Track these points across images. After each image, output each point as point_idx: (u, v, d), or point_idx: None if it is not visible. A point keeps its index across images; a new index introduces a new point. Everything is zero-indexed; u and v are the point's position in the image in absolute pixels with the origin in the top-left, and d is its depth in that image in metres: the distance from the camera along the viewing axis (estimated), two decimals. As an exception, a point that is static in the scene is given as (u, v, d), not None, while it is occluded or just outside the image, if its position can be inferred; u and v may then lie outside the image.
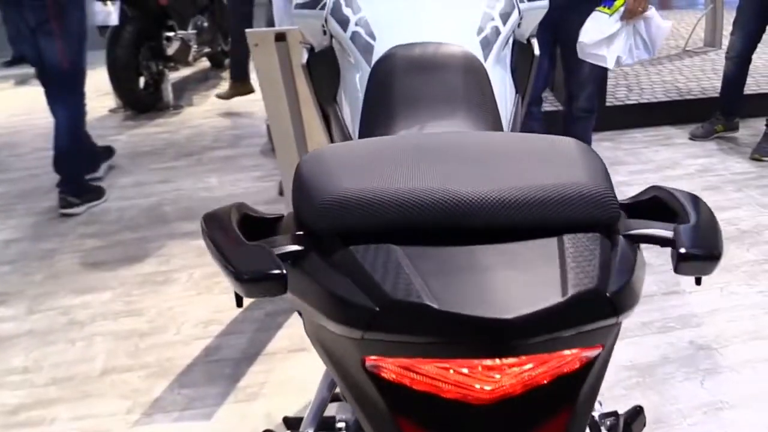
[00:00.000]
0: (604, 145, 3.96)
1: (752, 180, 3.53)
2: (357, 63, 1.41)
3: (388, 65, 1.34)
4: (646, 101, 4.25)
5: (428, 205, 0.80)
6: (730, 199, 3.33)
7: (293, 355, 2.30)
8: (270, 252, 0.80)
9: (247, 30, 2.26)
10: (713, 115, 4.03)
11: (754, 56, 3.86)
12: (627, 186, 3.40)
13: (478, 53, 1.39)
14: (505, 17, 1.47)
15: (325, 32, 1.60)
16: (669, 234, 0.83)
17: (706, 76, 4.68)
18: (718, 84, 4.14)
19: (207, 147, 4.39)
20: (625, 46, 2.51)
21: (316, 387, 1.34)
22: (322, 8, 1.53)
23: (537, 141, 0.96)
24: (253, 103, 5.10)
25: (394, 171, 0.86)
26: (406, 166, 0.87)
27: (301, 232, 0.87)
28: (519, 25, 1.53)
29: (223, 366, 2.26)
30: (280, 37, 2.21)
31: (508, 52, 1.50)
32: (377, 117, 1.31)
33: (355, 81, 1.42)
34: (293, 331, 2.42)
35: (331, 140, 1.87)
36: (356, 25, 1.43)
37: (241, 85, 5.07)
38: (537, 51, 1.64)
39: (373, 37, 1.40)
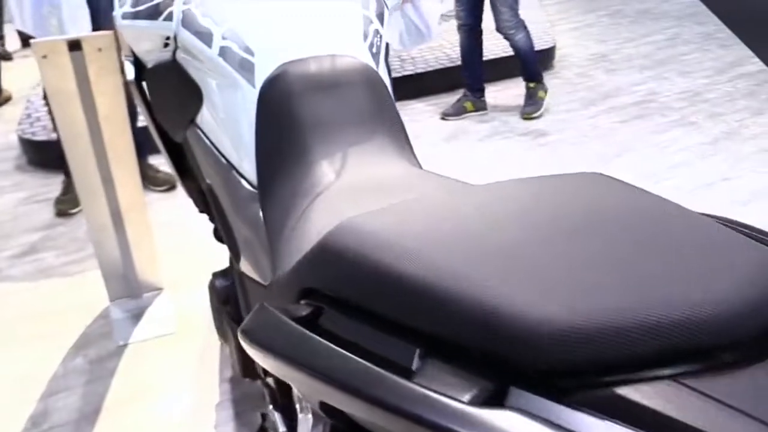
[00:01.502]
0: (391, 118, 3.99)
1: (534, 139, 3.76)
2: (233, 83, 1.21)
3: (281, 86, 1.16)
4: (421, 71, 4.34)
5: (699, 324, 0.60)
6: (523, 164, 3.52)
7: (138, 403, 2.02)
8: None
9: (32, 40, 1.90)
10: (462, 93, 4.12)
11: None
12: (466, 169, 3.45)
13: (370, 62, 1.26)
14: (380, 18, 1.35)
15: (166, 45, 1.37)
16: None
17: (468, 41, 4.90)
18: (483, 47, 4.31)
19: (-57, 169, 3.75)
20: (393, 33, 2.45)
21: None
22: (168, 19, 1.30)
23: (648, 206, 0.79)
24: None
25: (593, 268, 0.66)
26: (603, 261, 0.67)
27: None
28: None
29: (58, 434, 1.94)
30: (74, 46, 1.89)
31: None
32: (282, 147, 1.14)
33: (234, 103, 1.22)
34: (129, 375, 2.14)
35: (180, 172, 1.64)
36: (224, 38, 1.23)
37: None
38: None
39: (251, 53, 1.20)
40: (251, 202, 1.18)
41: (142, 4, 1.39)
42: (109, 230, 2.40)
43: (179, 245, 2.81)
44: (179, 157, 1.63)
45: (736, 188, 3.16)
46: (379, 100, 1.21)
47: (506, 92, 4.42)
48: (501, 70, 4.58)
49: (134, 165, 2.29)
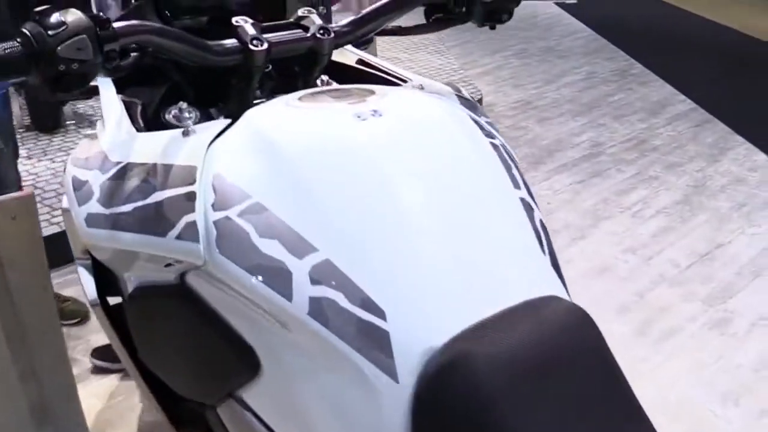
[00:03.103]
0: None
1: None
2: (344, 364, 0.68)
3: (463, 380, 0.64)
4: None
5: None
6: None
7: None
8: None
9: None
10: None
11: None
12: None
13: (561, 291, 0.78)
14: (531, 194, 0.88)
15: (169, 264, 0.84)
16: None
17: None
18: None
19: None
20: None
21: None
22: (188, 237, 0.77)
23: None
24: None
25: None
26: None
27: None
28: None
29: None
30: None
31: None
32: None
33: (350, 405, 0.69)
34: None
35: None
36: (315, 282, 0.70)
37: None
38: None
39: (378, 312, 0.68)
40: None
41: (123, 202, 0.84)
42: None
43: (116, 412, 2.19)
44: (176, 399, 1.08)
45: (736, 257, 2.88)
46: (608, 368, 0.73)
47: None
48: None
49: (64, 349, 1.68)
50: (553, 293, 0.75)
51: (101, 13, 0.81)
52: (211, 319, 0.81)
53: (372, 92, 0.88)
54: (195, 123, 1.00)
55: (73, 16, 0.77)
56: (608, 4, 7.64)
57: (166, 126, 0.99)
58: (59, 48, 0.76)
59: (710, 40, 6.31)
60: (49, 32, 0.75)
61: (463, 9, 1.06)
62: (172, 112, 1.01)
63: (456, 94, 1.04)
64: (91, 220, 0.86)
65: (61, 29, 0.76)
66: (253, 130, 0.82)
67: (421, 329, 0.67)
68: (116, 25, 0.81)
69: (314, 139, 0.79)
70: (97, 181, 0.88)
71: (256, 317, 0.76)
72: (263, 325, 0.75)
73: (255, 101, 1.02)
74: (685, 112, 4.51)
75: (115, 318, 1.03)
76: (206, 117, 1.03)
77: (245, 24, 0.94)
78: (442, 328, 0.67)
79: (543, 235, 0.82)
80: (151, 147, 0.87)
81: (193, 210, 0.77)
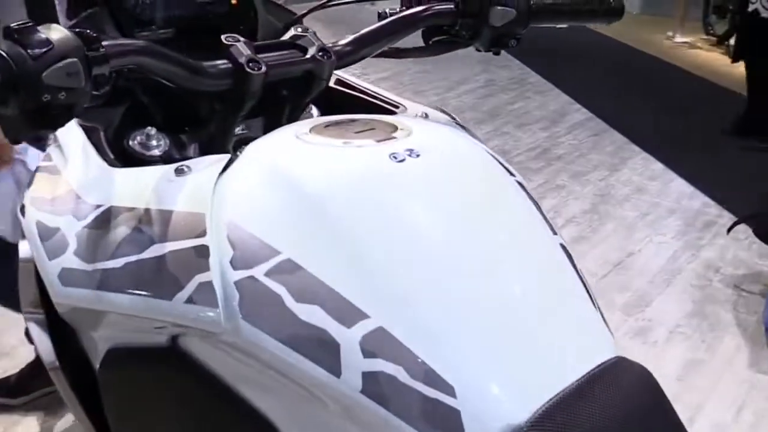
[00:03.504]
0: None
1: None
2: None
3: None
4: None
5: None
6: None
7: None
8: None
9: None
10: None
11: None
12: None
13: (616, 348, 0.73)
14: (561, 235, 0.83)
15: (161, 327, 0.72)
16: None
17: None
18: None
19: None
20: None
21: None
22: (203, 302, 0.65)
23: None
24: None
25: None
26: None
27: None
28: None
29: None
30: None
31: None
32: None
33: None
34: None
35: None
36: (369, 353, 0.61)
37: None
38: None
39: (448, 389, 0.60)
40: None
41: (110, 256, 0.72)
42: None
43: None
44: None
45: (647, 265, 2.96)
46: (676, 428, 0.69)
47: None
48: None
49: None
50: (616, 353, 0.70)
51: (88, 30, 0.68)
52: (219, 391, 0.70)
53: (395, 126, 0.80)
54: (164, 151, 0.89)
55: (59, 33, 0.65)
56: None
57: (131, 154, 0.87)
58: (44, 74, 0.63)
59: (603, 53, 6.56)
60: (31, 53, 0.62)
61: (470, 33, 0.99)
62: (137, 138, 0.89)
63: (456, 123, 0.98)
64: (67, 278, 0.73)
65: (46, 50, 0.63)
66: (268, 168, 0.72)
67: (497, 406, 0.60)
68: (105, 43, 0.69)
69: (350, 184, 0.70)
70: (71, 229, 0.74)
71: (285, 392, 0.66)
72: (295, 401, 0.65)
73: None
74: (582, 121, 4.65)
75: (80, 391, 0.89)
76: (175, 144, 0.92)
77: (238, 43, 0.83)
78: (521, 403, 0.60)
79: (588, 287, 0.77)
80: (138, 187, 0.75)
81: (206, 268, 0.66)
